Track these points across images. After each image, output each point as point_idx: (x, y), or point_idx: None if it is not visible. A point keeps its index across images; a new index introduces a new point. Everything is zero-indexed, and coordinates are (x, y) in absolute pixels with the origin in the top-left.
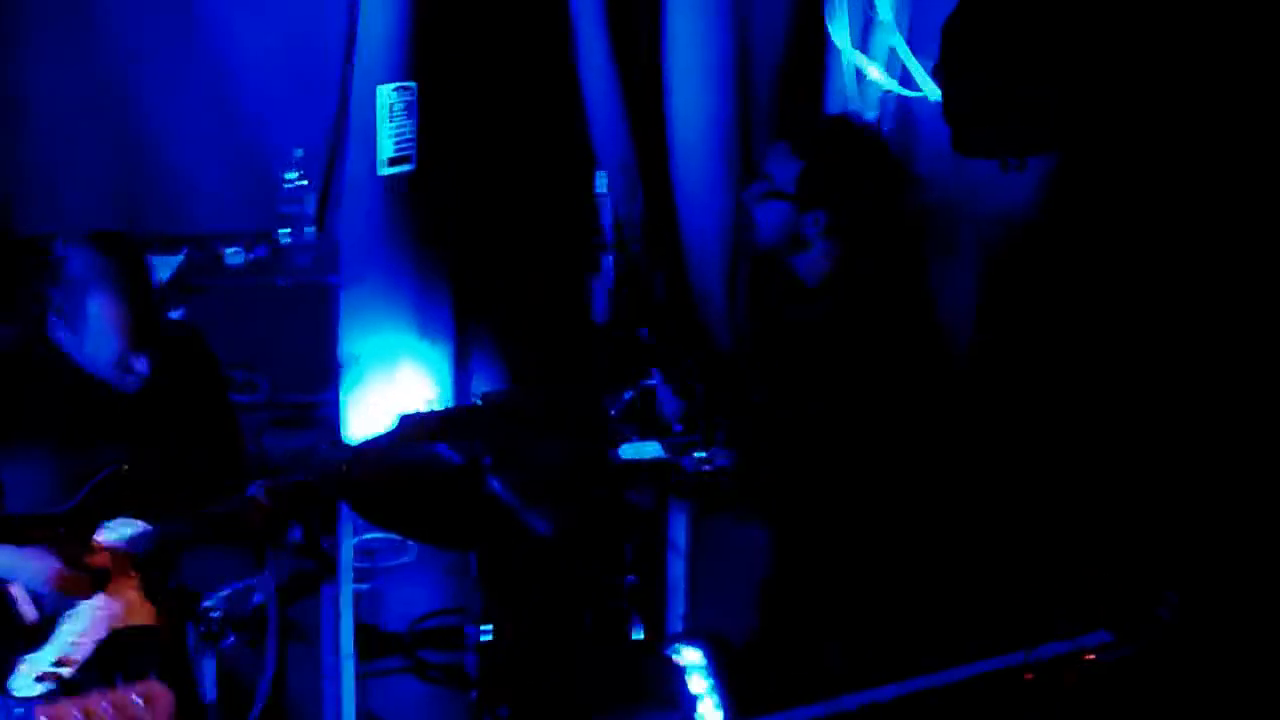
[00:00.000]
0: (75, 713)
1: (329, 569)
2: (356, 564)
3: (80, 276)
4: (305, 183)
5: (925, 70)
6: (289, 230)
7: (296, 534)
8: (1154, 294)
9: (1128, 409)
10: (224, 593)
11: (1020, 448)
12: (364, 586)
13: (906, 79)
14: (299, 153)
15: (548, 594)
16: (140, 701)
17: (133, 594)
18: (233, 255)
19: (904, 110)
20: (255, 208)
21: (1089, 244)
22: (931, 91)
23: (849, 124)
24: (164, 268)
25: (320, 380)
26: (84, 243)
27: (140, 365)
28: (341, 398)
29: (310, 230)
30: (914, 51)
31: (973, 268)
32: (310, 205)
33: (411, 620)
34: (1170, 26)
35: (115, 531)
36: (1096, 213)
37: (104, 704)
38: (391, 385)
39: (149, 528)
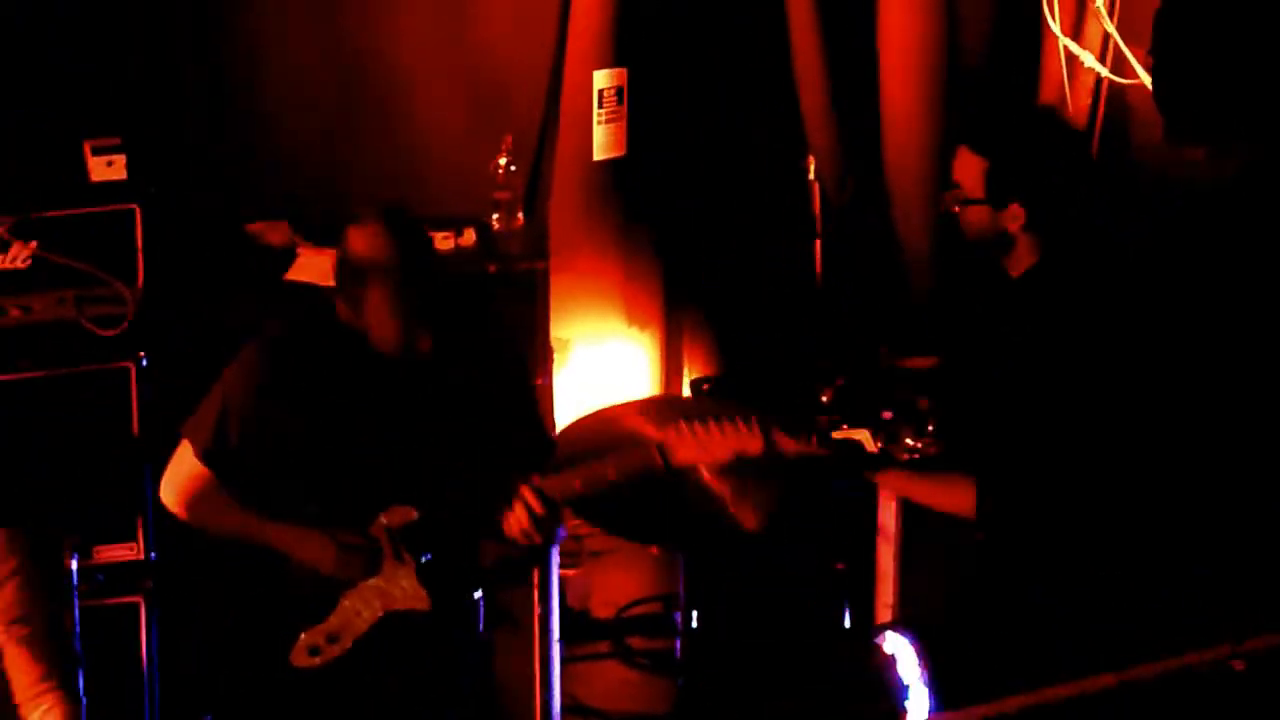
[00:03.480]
0: None
1: (537, 555)
2: (564, 550)
3: (364, 261)
4: (515, 168)
5: (1138, 58)
6: (499, 215)
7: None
8: None
9: None
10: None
11: (1222, 433)
12: (571, 572)
13: (1120, 66)
14: (509, 137)
15: (755, 582)
16: None
17: (407, 581)
18: (443, 240)
19: (1118, 98)
20: (466, 192)
21: None
22: (1146, 79)
23: (1027, 114)
24: None
25: (530, 365)
26: (370, 225)
27: (422, 346)
28: (552, 383)
29: (520, 215)
30: (1126, 38)
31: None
32: (520, 190)
33: (619, 607)
34: None
35: (393, 516)
36: None
37: None
38: (601, 370)
39: (424, 515)
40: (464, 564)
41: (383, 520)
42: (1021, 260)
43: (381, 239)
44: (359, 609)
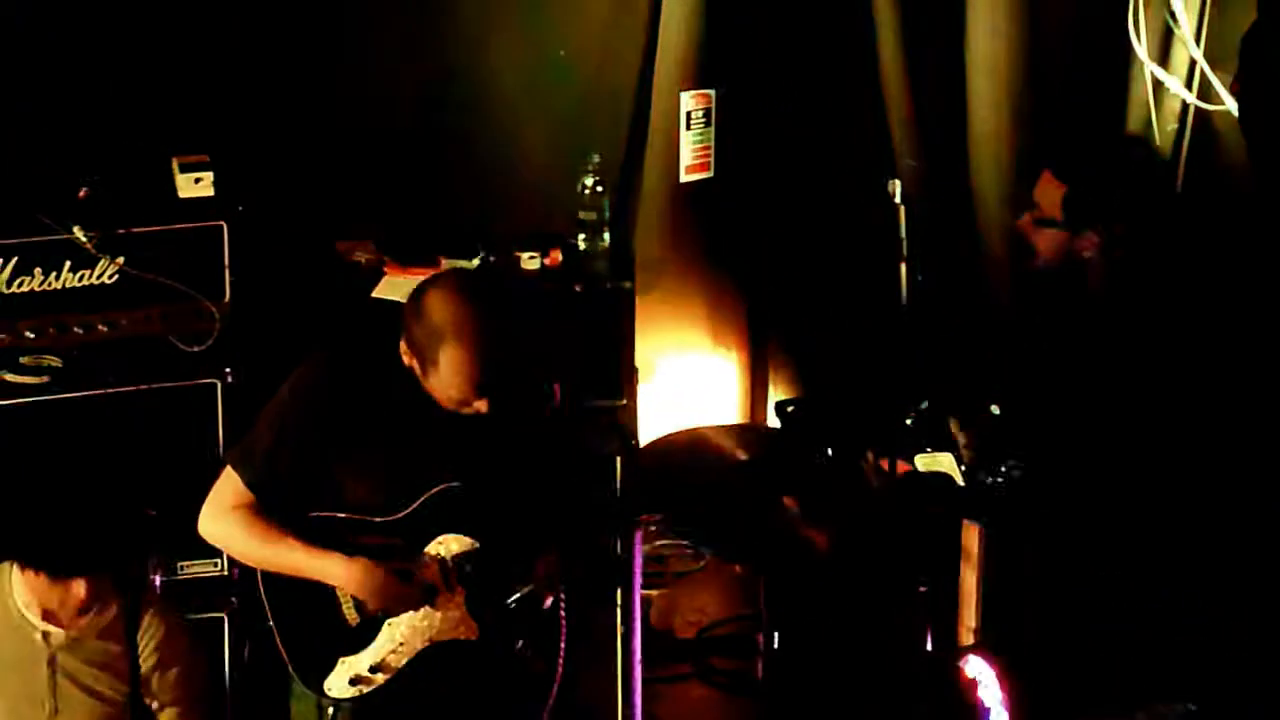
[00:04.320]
0: None
1: (619, 575)
2: (647, 570)
3: (438, 323)
4: (602, 188)
5: (1224, 83)
6: (585, 235)
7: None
8: None
9: None
10: (515, 596)
11: None
12: (654, 593)
13: (1206, 91)
14: (596, 158)
15: (835, 604)
16: None
17: (455, 610)
18: (529, 260)
19: (1204, 123)
20: (552, 212)
21: None
22: (1232, 105)
23: (1111, 143)
24: None
25: (614, 386)
26: (448, 287)
27: (480, 407)
28: (635, 404)
29: (606, 236)
30: (1212, 64)
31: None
32: (607, 211)
33: (701, 627)
34: None
35: (444, 546)
36: None
37: None
38: (686, 390)
39: (477, 546)
40: (515, 593)
41: (435, 549)
42: (1096, 283)
43: (458, 306)
44: (404, 638)
